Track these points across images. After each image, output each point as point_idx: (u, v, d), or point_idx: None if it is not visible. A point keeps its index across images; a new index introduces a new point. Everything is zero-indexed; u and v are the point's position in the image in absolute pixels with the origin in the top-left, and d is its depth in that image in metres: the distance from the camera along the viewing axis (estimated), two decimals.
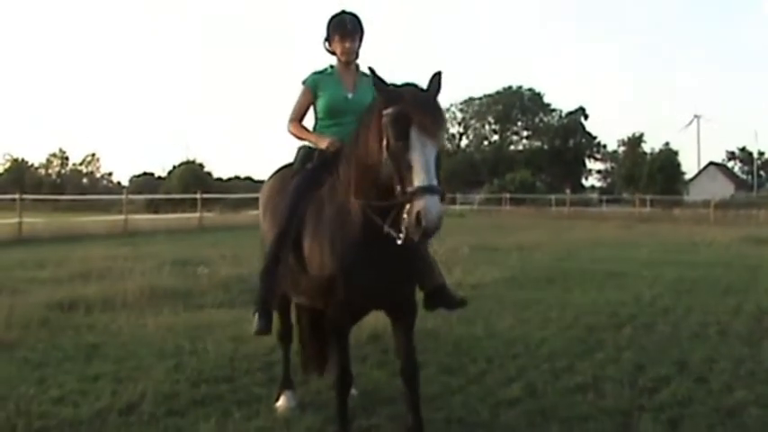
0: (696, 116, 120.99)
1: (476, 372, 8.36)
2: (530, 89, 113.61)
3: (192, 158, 75.56)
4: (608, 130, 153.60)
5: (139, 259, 18.58)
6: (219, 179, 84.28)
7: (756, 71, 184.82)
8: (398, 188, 4.95)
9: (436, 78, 5.26)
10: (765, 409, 7.08)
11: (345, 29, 6.50)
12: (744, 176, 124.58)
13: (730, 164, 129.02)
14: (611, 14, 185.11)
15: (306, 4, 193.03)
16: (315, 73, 6.67)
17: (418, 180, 4.85)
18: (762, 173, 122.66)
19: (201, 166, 74.56)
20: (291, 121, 6.72)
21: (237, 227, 36.84)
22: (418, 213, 4.76)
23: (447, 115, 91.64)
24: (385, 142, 5.08)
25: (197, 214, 41.27)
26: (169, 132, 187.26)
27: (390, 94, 5.19)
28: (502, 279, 15.90)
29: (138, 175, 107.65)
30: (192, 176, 68.80)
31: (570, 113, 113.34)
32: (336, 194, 5.82)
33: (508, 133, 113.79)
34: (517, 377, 8.11)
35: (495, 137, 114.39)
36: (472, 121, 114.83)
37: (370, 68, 5.39)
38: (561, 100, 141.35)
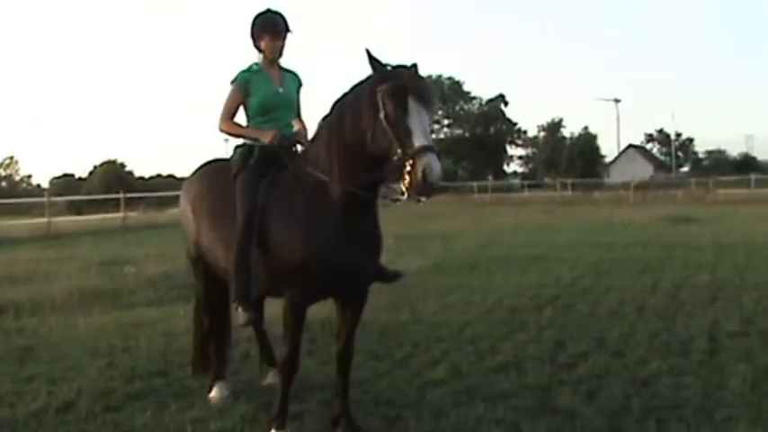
0: (615, 100, 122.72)
1: (402, 356, 8.67)
2: (449, 77, 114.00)
3: (113, 158, 74.81)
4: (528, 116, 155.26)
5: (65, 261, 18.55)
6: (141, 178, 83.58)
7: (672, 52, 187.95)
8: (399, 152, 5.27)
9: (414, 67, 5.70)
10: (678, 378, 7.52)
11: (276, 28, 6.73)
12: (662, 158, 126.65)
13: (649, 146, 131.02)
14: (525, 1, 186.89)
15: (223, 4, 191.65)
16: (243, 72, 6.81)
17: (419, 141, 5.23)
18: (680, 154, 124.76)
19: (123, 165, 73.99)
20: (224, 119, 6.83)
21: (162, 225, 36.66)
22: (424, 169, 5.12)
23: None
24: (383, 113, 5.40)
25: (120, 214, 40.94)
26: (88, 132, 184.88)
27: (386, 73, 5.56)
28: (426, 267, 16.21)
29: (59, 177, 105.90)
30: (113, 176, 68.32)
31: (490, 101, 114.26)
32: (303, 187, 6.07)
33: None
34: (442, 359, 8.43)
35: None
36: None
37: (366, 50, 5.63)
38: (481, 87, 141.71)
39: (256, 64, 6.87)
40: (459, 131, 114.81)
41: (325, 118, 6.23)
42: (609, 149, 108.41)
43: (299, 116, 6.99)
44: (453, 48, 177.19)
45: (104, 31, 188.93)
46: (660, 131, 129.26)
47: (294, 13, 6.86)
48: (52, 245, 25.84)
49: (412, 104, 5.36)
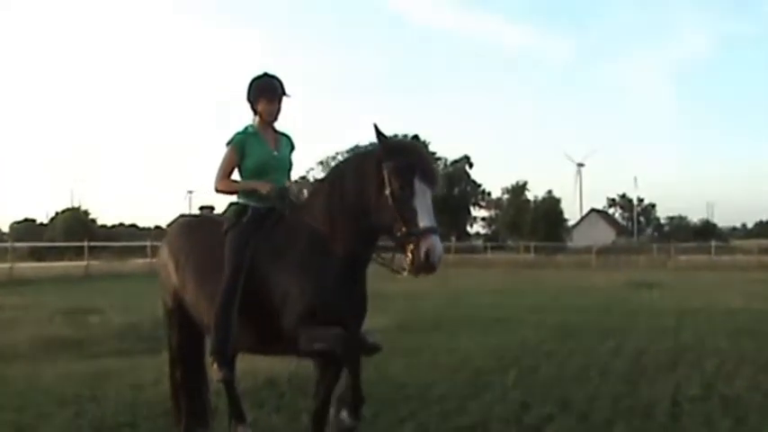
0: (579, 164, 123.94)
1: (369, 414, 8.68)
2: (415, 136, 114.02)
3: (76, 205, 74.40)
4: (492, 177, 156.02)
5: (29, 308, 18.52)
6: (104, 226, 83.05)
7: (635, 118, 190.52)
8: (403, 230, 5.55)
9: (416, 138, 5.99)
10: None
11: (274, 92, 6.85)
12: (624, 222, 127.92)
13: (611, 210, 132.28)
14: (491, 65, 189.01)
15: (193, 60, 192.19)
16: (239, 133, 6.87)
17: (423, 222, 5.53)
18: (641, 219, 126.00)
19: (86, 212, 73.50)
20: (220, 179, 6.87)
21: (125, 275, 36.65)
22: (427, 251, 5.44)
23: (333, 164, 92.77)
24: (389, 190, 5.65)
25: (83, 262, 40.85)
26: (49, 177, 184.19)
27: (392, 146, 5.84)
28: (391, 325, 16.25)
29: (19, 222, 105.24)
30: (76, 223, 67.92)
31: (455, 161, 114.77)
32: (300, 241, 6.21)
33: None
34: (409, 418, 8.48)
35: None
36: None
37: (374, 125, 5.83)
38: (446, 148, 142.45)
39: (252, 126, 6.95)
40: None
41: (323, 180, 6.48)
42: (572, 213, 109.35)
43: (289, 179, 7.10)
44: (420, 107, 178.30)
45: (64, 73, 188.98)
46: (622, 196, 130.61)
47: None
48: (15, 291, 25.80)
49: (418, 185, 5.62)
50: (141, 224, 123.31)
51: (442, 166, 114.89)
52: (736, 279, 33.93)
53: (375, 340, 6.52)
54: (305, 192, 7.14)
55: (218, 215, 7.20)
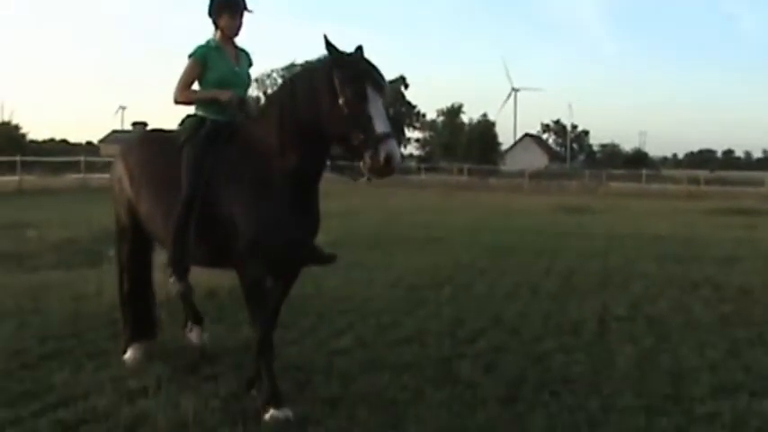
0: (514, 89, 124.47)
1: (308, 326, 9.00)
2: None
3: (7, 120, 73.11)
4: (428, 100, 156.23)
5: None
6: (34, 141, 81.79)
7: (571, 46, 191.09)
8: (361, 136, 5.61)
9: (360, 50, 6.03)
10: (569, 356, 8.05)
11: (236, 7, 6.88)
12: (557, 149, 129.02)
13: (545, 136, 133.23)
14: None
15: None
16: (201, 47, 6.90)
17: (380, 128, 5.61)
18: (575, 145, 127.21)
19: (17, 127, 72.32)
20: (181, 90, 6.90)
21: (58, 190, 36.39)
22: (387, 155, 5.52)
23: (268, 81, 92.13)
24: (342, 99, 5.70)
25: (16, 177, 40.35)
26: None
27: (341, 59, 5.86)
28: (327, 242, 16.31)
29: None
30: (6, 138, 66.67)
31: (391, 82, 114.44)
32: (254, 156, 6.29)
33: None
34: (347, 330, 8.80)
35: None
36: None
37: (324, 36, 5.87)
38: (383, 69, 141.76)
39: (214, 40, 6.98)
40: None
41: (273, 94, 6.52)
42: (506, 138, 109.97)
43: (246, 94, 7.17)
44: (356, 25, 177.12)
45: None
46: (557, 122, 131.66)
47: None
48: None
49: (370, 92, 5.70)
50: (72, 140, 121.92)
51: None
52: (665, 207, 34.64)
53: (330, 251, 6.82)
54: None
55: (171, 130, 7.24)
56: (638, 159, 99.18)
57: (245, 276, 6.30)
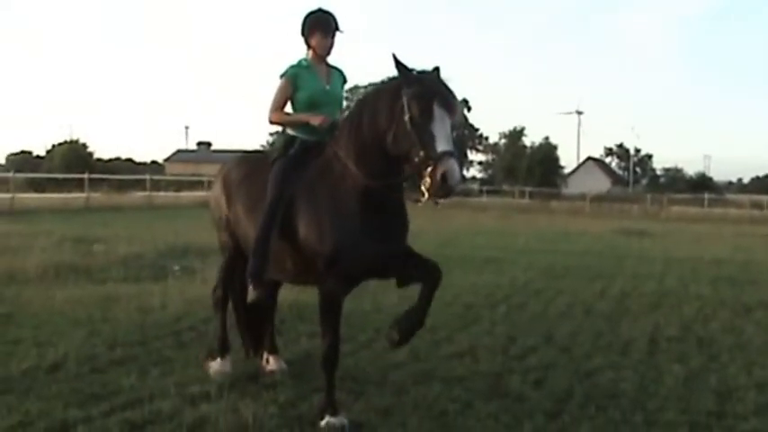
0: (578, 112, 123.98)
1: (365, 340, 9.31)
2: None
3: (75, 138, 74.33)
4: (490, 122, 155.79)
5: (36, 236, 18.82)
6: (100, 159, 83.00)
7: (636, 69, 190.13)
8: (421, 154, 5.68)
9: (436, 70, 6.10)
10: (617, 373, 8.24)
11: (328, 27, 7.02)
12: (620, 172, 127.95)
13: (608, 159, 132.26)
14: (498, 3, 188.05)
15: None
16: (292, 66, 7.06)
17: (441, 146, 5.64)
18: (638, 169, 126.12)
19: (85, 146, 73.49)
20: (274, 111, 7.05)
21: (125, 207, 37.16)
22: (444, 173, 5.55)
23: None
24: (408, 116, 5.79)
25: (84, 194, 41.24)
26: (46, 109, 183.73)
27: (412, 77, 5.94)
28: None
29: (16, 154, 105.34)
30: (75, 156, 67.76)
31: None
32: (330, 174, 6.44)
33: None
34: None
35: None
36: None
37: (393, 55, 5.98)
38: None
39: (305, 60, 7.13)
40: None
41: (348, 113, 6.77)
42: (568, 161, 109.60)
43: (341, 113, 7.34)
44: (420, 49, 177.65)
45: (63, 6, 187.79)
46: (620, 146, 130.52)
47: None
48: (18, 220, 26.18)
49: (437, 111, 5.76)
50: (138, 159, 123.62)
51: None
52: (727, 231, 34.45)
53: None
54: None
55: (269, 151, 7.48)
56: (702, 183, 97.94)
57: (322, 291, 6.43)
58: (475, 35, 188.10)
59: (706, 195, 65.47)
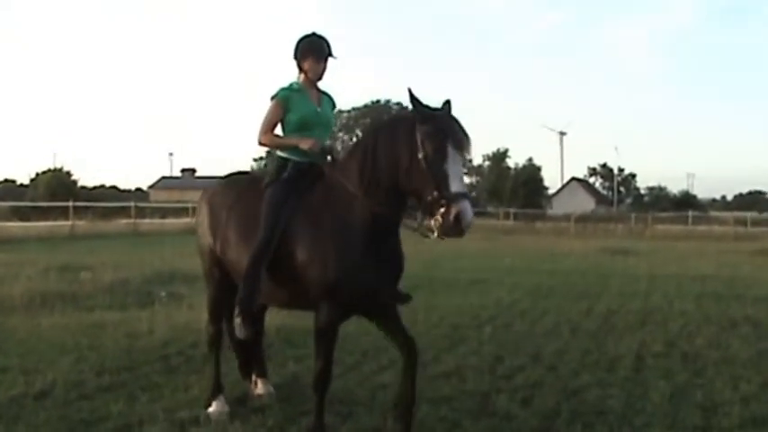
0: (561, 132, 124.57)
1: (352, 362, 9.33)
2: (398, 103, 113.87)
3: (59, 166, 74.19)
4: (474, 144, 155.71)
5: (21, 265, 18.87)
6: (84, 187, 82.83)
7: (618, 88, 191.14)
8: (435, 193, 5.69)
9: (448, 105, 6.12)
10: (604, 390, 8.31)
11: (322, 52, 7.00)
12: (605, 192, 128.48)
13: (592, 179, 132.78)
14: (479, 32, 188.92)
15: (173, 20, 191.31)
16: (284, 89, 7.00)
17: (455, 187, 5.67)
18: (622, 188, 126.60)
19: (69, 173, 73.36)
20: (264, 132, 6.95)
21: (110, 235, 37.10)
22: (458, 214, 5.59)
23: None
24: (422, 154, 5.79)
25: (69, 222, 41.20)
26: (30, 138, 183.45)
27: (426, 114, 5.92)
28: None
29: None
30: (59, 184, 67.64)
31: None
32: (335, 201, 6.38)
33: None
34: (389, 366, 9.08)
35: None
36: (340, 134, 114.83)
37: (408, 90, 5.95)
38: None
39: (296, 83, 7.09)
40: None
41: (357, 141, 6.73)
42: (552, 181, 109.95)
43: (330, 136, 7.36)
44: (401, 74, 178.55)
45: (47, 32, 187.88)
46: (603, 166, 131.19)
47: None
48: (3, 249, 26.14)
49: (450, 150, 5.76)
50: (122, 186, 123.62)
51: None
52: (711, 249, 34.59)
53: (406, 291, 6.77)
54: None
55: (254, 171, 7.40)
56: (686, 201, 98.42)
57: (319, 318, 6.34)
58: (456, 56, 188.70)
59: (690, 213, 65.68)
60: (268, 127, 6.98)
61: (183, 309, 12.47)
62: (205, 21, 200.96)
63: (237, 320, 6.62)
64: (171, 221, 51.62)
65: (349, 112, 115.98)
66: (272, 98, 7.00)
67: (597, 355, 10.02)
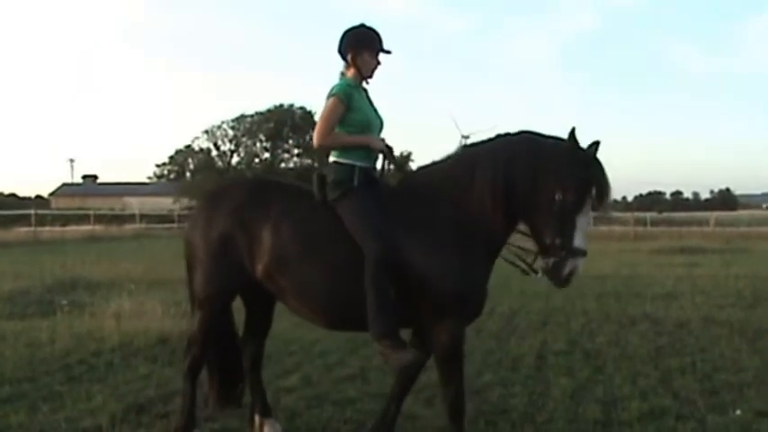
0: (463, 136, 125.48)
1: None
2: (301, 107, 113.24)
3: None
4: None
5: None
6: None
7: (523, 90, 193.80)
8: (557, 240, 5.55)
9: (596, 147, 5.73)
10: (507, 389, 8.46)
11: (375, 45, 6.29)
12: None
13: None
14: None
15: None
16: (344, 85, 6.21)
17: (578, 242, 5.56)
18: None
19: None
20: (327, 133, 6.13)
21: (8, 243, 36.41)
22: (571, 271, 5.59)
23: (219, 133, 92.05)
24: (560, 195, 5.53)
25: None
26: None
27: (582, 158, 5.60)
28: None
29: None
30: None
31: None
32: (437, 217, 5.87)
33: (279, 151, 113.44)
34: (294, 370, 9.15)
35: (267, 154, 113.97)
36: (243, 139, 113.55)
37: (572, 129, 5.60)
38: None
39: (351, 79, 6.32)
40: (308, 161, 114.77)
41: (481, 152, 6.06)
42: None
43: None
44: (301, 77, 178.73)
45: None
46: None
47: None
48: None
49: (588, 203, 5.61)
50: (22, 194, 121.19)
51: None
52: (611, 248, 35.12)
53: None
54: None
55: (278, 177, 6.83)
56: None
57: (445, 334, 5.90)
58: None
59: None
60: (331, 127, 6.13)
61: (85, 317, 12.22)
62: (108, 19, 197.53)
63: (387, 351, 5.84)
64: (73, 228, 50.77)
65: (252, 116, 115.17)
66: (332, 95, 6.13)
67: (500, 355, 10.16)
